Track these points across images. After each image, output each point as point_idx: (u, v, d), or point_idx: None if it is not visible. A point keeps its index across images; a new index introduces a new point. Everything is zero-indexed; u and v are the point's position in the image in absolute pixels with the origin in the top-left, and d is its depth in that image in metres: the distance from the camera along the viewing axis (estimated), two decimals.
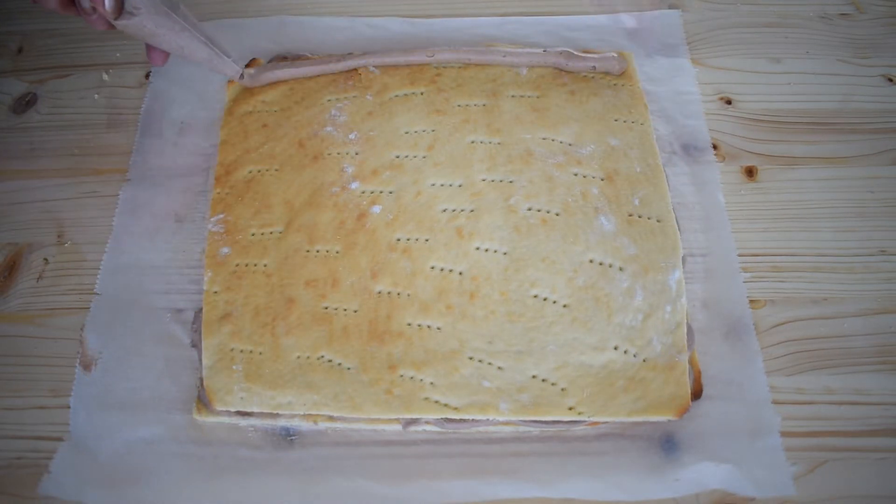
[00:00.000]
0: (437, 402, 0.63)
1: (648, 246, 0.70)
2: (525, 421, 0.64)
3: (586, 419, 0.63)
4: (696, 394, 0.65)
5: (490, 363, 0.65)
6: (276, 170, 0.76)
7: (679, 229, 0.71)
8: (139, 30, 0.66)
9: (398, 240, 0.71)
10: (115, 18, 0.64)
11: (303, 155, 0.76)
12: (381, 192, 0.74)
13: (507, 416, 0.63)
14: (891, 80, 0.86)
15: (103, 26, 0.66)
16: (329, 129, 0.78)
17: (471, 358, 0.65)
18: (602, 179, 0.74)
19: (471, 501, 0.61)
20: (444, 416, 0.63)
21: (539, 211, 0.72)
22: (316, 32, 0.90)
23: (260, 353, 0.66)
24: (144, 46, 0.71)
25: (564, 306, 0.67)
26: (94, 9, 0.63)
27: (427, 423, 0.64)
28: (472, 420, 0.64)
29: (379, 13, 0.92)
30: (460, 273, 0.69)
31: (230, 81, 0.82)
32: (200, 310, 0.68)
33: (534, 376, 0.64)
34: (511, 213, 0.72)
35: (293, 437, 0.65)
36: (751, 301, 0.71)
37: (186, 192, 0.78)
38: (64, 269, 0.75)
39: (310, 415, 0.64)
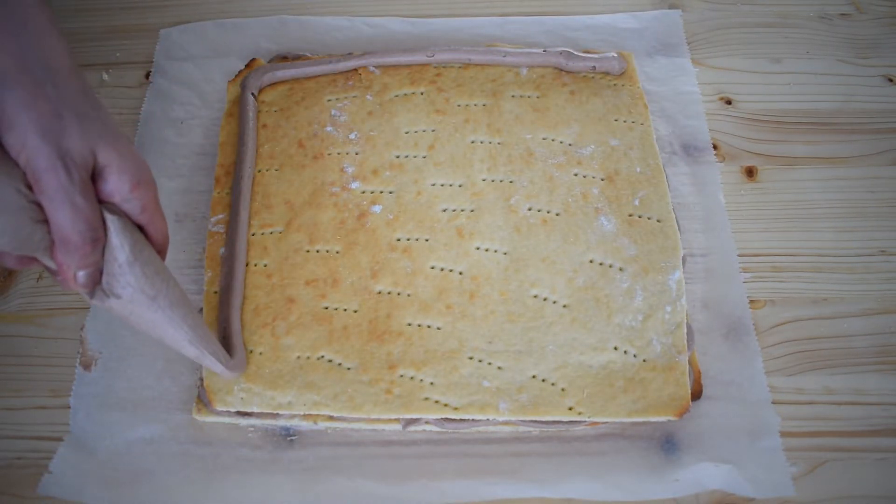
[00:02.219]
0: (436, 401, 0.63)
1: (649, 246, 0.70)
2: (525, 421, 0.64)
3: (586, 419, 0.63)
4: (696, 394, 0.65)
5: (490, 363, 0.65)
6: (277, 170, 0.76)
7: (679, 229, 0.71)
8: (111, 311, 0.54)
9: (398, 239, 0.71)
10: (89, 294, 0.52)
11: (303, 155, 0.76)
12: (381, 191, 0.74)
13: (506, 416, 0.63)
14: (891, 80, 0.86)
15: (70, 290, 0.54)
16: (329, 128, 0.78)
17: (470, 358, 0.65)
18: (602, 180, 0.74)
19: (471, 501, 0.61)
20: (443, 416, 0.63)
21: (539, 211, 0.72)
22: (316, 32, 0.90)
23: (260, 353, 0.65)
24: None
25: (564, 306, 0.67)
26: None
27: (427, 422, 0.64)
28: (472, 420, 0.64)
29: (379, 13, 0.92)
30: (460, 273, 0.69)
31: (230, 82, 0.82)
32: (201, 309, 0.68)
33: (533, 376, 0.64)
34: (511, 213, 0.72)
35: (293, 437, 0.65)
36: (751, 301, 0.71)
37: (187, 191, 0.78)
38: None
39: (310, 415, 0.64)
